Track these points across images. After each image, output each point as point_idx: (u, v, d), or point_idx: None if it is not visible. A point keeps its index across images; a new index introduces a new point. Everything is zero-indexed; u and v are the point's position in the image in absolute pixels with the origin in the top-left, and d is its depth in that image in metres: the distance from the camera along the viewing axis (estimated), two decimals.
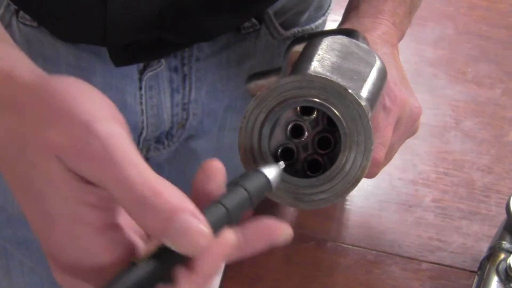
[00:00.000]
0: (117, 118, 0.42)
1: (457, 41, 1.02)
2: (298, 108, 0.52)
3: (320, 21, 0.79)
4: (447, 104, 0.94)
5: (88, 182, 0.40)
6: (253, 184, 0.44)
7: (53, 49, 0.69)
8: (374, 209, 0.83)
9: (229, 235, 0.41)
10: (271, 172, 0.46)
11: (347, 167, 0.50)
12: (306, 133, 0.53)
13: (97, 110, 0.41)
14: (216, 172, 0.44)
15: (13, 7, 0.67)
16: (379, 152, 0.57)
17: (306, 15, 0.77)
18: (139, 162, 0.40)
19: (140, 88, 0.71)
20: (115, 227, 0.42)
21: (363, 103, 0.50)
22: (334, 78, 0.51)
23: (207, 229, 0.39)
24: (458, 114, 0.93)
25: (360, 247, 0.80)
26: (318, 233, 0.81)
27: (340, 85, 0.49)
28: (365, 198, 0.84)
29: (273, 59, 0.76)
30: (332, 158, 0.52)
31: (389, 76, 0.58)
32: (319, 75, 0.51)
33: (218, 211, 0.41)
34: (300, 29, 0.76)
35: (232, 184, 0.43)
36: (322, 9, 0.79)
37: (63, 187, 0.40)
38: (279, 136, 0.52)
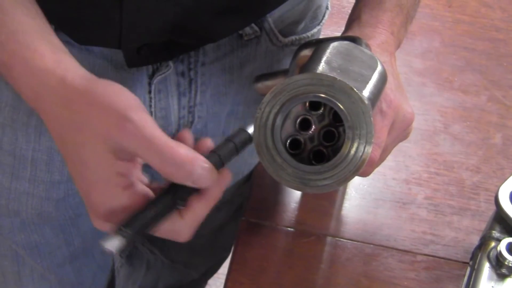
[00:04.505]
0: (143, 107, 0.57)
1: (444, 53, 1.07)
2: (307, 103, 0.58)
3: (315, 30, 0.85)
4: (436, 110, 0.99)
5: (120, 159, 0.57)
6: (238, 138, 0.60)
7: None
8: (370, 207, 0.88)
9: (227, 171, 0.59)
10: (250, 129, 0.60)
11: (349, 157, 0.55)
12: (313, 126, 0.59)
13: (130, 103, 0.57)
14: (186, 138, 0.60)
15: None
16: (374, 152, 0.62)
17: (302, 25, 0.83)
18: (161, 135, 0.56)
19: (150, 92, 0.76)
20: (134, 185, 0.58)
21: (366, 101, 0.55)
22: (341, 78, 0.56)
23: (214, 170, 0.57)
24: (447, 119, 0.98)
25: (358, 241, 0.84)
26: (318, 229, 0.85)
27: (346, 83, 0.55)
28: (361, 197, 0.89)
29: (273, 64, 0.81)
30: (335, 150, 0.57)
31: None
32: (328, 74, 0.56)
33: (215, 158, 0.58)
34: (297, 37, 0.82)
35: (225, 140, 0.60)
36: (316, 20, 0.85)
37: (103, 161, 0.56)
38: (288, 128, 0.58)
